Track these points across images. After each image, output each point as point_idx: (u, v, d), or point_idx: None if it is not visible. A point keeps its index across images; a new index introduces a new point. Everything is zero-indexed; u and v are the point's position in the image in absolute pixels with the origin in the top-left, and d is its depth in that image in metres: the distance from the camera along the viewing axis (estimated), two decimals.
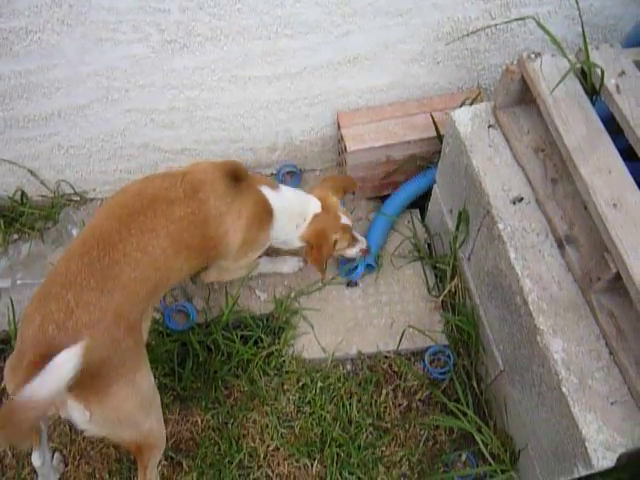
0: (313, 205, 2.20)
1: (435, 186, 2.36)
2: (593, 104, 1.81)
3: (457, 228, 2.14)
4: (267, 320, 2.36)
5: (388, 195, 2.59)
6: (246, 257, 2.15)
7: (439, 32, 2.27)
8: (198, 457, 2.13)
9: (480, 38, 2.33)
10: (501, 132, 1.99)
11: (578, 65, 1.84)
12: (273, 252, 2.45)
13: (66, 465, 2.13)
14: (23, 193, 2.58)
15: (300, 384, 2.25)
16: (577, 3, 1.88)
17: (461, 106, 2.18)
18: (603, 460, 1.52)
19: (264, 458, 2.15)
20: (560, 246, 1.78)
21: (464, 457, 2.17)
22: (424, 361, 2.30)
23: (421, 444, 2.19)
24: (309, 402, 2.23)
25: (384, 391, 2.27)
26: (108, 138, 2.43)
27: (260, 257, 2.28)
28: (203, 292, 2.40)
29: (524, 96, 1.93)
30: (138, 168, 2.57)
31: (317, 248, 2.16)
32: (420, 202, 2.56)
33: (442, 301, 2.36)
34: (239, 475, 2.12)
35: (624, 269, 1.53)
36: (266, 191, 2.08)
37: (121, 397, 1.62)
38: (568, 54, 1.86)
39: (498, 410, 2.12)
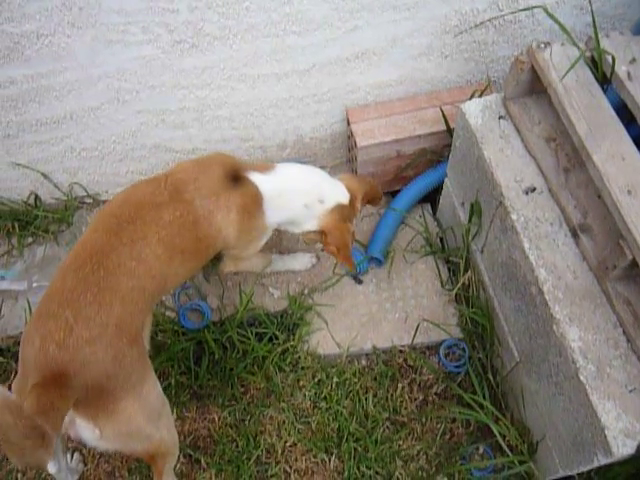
0: (339, 192, 2.09)
1: (446, 179, 2.35)
2: (604, 92, 1.81)
3: (469, 220, 2.14)
4: (281, 317, 2.37)
5: (399, 190, 2.59)
6: (251, 245, 2.09)
7: (447, 25, 2.27)
8: (216, 454, 2.14)
9: (488, 30, 2.32)
10: (512, 123, 1.99)
11: (588, 53, 1.84)
12: (286, 249, 2.46)
13: (85, 464, 2.15)
14: (37, 197, 2.60)
15: (316, 380, 2.26)
16: None
17: (470, 98, 2.18)
18: (623, 448, 1.51)
19: (282, 454, 2.16)
20: (574, 235, 1.77)
21: (481, 449, 2.17)
22: (439, 354, 2.30)
23: (438, 437, 2.19)
24: (325, 398, 2.23)
25: (400, 385, 2.27)
26: (120, 140, 2.44)
27: (273, 253, 2.28)
28: (217, 290, 2.41)
29: (534, 86, 1.93)
30: (150, 169, 2.58)
31: (341, 242, 2.07)
32: (431, 196, 2.56)
33: (456, 294, 2.36)
34: (257, 471, 2.13)
35: None
36: (253, 177, 1.96)
37: (130, 412, 1.60)
38: (578, 43, 1.86)
39: (515, 402, 2.11)
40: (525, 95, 1.98)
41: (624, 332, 1.64)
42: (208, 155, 2.05)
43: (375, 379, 2.28)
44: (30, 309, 2.27)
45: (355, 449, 2.15)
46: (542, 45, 1.85)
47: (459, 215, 2.28)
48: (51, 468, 1.97)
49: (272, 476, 2.12)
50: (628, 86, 1.74)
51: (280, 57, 2.24)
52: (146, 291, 1.72)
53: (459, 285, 2.29)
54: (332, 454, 2.15)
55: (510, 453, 2.04)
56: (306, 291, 2.41)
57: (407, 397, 2.26)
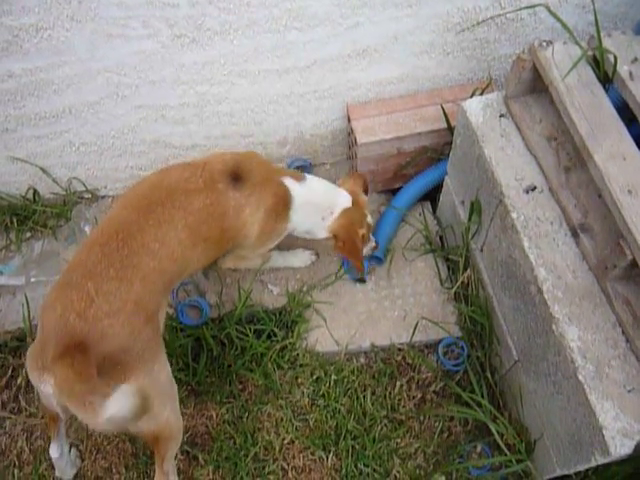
0: (343, 199, 2.18)
1: (447, 177, 2.35)
2: (606, 91, 1.80)
3: (469, 219, 2.13)
4: (280, 314, 2.36)
5: (399, 188, 2.59)
6: (264, 246, 2.15)
7: (449, 23, 2.26)
8: (214, 451, 2.14)
9: (490, 28, 2.32)
10: (513, 121, 1.98)
11: (590, 52, 1.83)
12: (285, 246, 2.45)
13: (82, 460, 2.14)
14: (35, 191, 2.59)
15: (314, 377, 2.26)
16: None
17: (471, 96, 2.17)
18: (621, 448, 1.51)
19: (279, 451, 2.15)
20: (574, 234, 1.77)
21: (479, 448, 2.17)
22: (438, 353, 2.30)
23: (436, 436, 2.19)
24: (323, 395, 2.23)
25: (398, 383, 2.27)
26: (119, 135, 2.43)
27: (272, 250, 2.28)
28: (216, 287, 2.40)
29: (536, 85, 1.92)
30: (149, 164, 2.57)
31: (350, 242, 2.14)
32: (431, 194, 2.56)
33: (455, 293, 2.35)
34: (254, 468, 2.13)
35: None
36: (288, 182, 2.07)
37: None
38: (580, 42, 1.85)
39: (513, 400, 2.11)
40: (526, 93, 1.97)
41: (623, 332, 1.64)
42: (246, 152, 2.11)
43: (373, 377, 2.28)
44: (28, 304, 2.26)
45: (353, 447, 2.15)
46: (544, 43, 1.84)
47: (459, 213, 2.27)
48: (54, 452, 2.00)
49: (269, 473, 2.12)
50: (630, 86, 1.73)
51: (281, 53, 2.23)
52: (166, 273, 1.77)
53: (458, 283, 2.29)
54: (330, 452, 2.15)
55: (508, 452, 2.04)
56: (305, 288, 2.41)
57: (405, 395, 2.26)
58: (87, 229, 2.56)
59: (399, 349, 2.32)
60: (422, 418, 2.22)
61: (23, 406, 2.23)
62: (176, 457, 2.10)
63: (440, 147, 2.47)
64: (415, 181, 2.51)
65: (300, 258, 2.44)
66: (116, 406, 1.57)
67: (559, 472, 1.85)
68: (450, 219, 2.41)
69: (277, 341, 2.29)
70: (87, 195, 2.65)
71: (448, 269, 2.45)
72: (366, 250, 2.31)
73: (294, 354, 2.29)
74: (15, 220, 2.55)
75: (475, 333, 2.26)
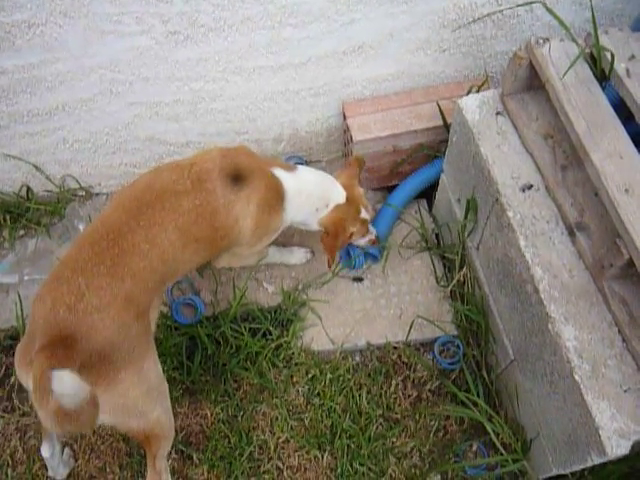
0: (338, 194, 2.16)
1: (443, 175, 2.34)
2: (603, 89, 1.79)
3: (465, 217, 2.12)
4: (275, 312, 2.35)
5: (395, 186, 2.57)
6: (261, 242, 2.13)
7: (445, 19, 2.25)
8: (208, 450, 2.13)
9: (486, 25, 2.30)
10: (509, 119, 1.97)
11: (587, 50, 1.82)
12: (281, 243, 2.44)
13: (76, 460, 2.13)
14: (29, 189, 2.57)
15: (309, 376, 2.25)
16: None
17: (468, 94, 2.16)
18: (617, 448, 1.51)
19: (274, 450, 2.14)
20: (571, 233, 1.76)
21: (475, 447, 2.17)
22: (433, 351, 2.29)
23: (432, 435, 2.18)
24: (318, 394, 2.22)
25: (394, 382, 2.26)
26: (113, 132, 2.41)
27: (269, 246, 2.26)
28: (210, 285, 2.39)
29: (532, 82, 1.91)
30: (143, 162, 2.55)
31: (333, 237, 2.14)
32: (427, 192, 2.54)
33: (451, 291, 2.35)
34: (249, 468, 2.12)
35: (637, 255, 1.51)
36: (279, 173, 2.04)
37: (128, 384, 1.64)
38: (577, 39, 1.84)
39: (509, 400, 2.10)
40: (523, 91, 1.96)
41: (619, 331, 1.63)
42: (234, 146, 2.07)
43: (369, 375, 2.27)
44: (21, 302, 2.25)
45: (348, 446, 2.14)
46: (541, 41, 1.83)
47: (455, 211, 2.26)
48: (45, 451, 1.99)
49: (264, 472, 2.11)
50: (627, 83, 1.72)
51: (276, 50, 2.22)
52: (157, 273, 1.77)
53: (454, 282, 2.28)
54: (325, 451, 2.14)
55: (504, 451, 2.04)
56: (300, 286, 2.40)
57: (401, 394, 2.25)
58: (81, 227, 2.54)
59: (395, 347, 2.31)
60: (418, 417, 2.21)
61: (16, 405, 2.21)
62: (170, 456, 2.09)
63: (436, 145, 2.46)
64: (411, 179, 2.50)
65: (296, 256, 2.43)
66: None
67: (555, 472, 1.85)
68: (446, 217, 2.40)
69: (272, 340, 2.28)
70: (81, 192, 2.63)
71: (444, 267, 2.44)
72: (364, 242, 2.31)
73: (289, 353, 2.28)
74: (8, 218, 2.52)
75: (471, 332, 2.26)
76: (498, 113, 1.99)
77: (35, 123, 2.32)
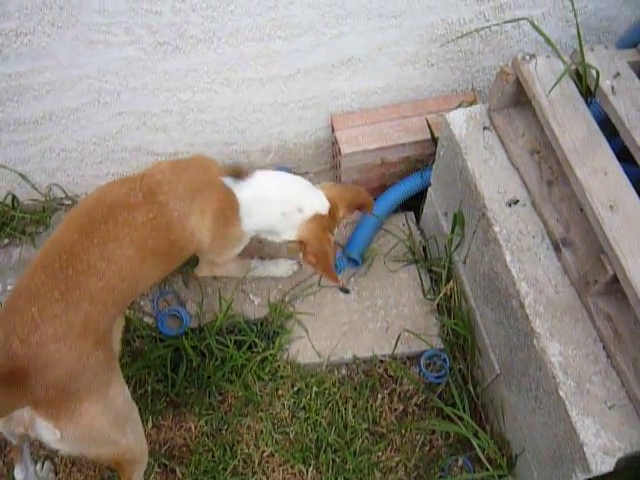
0: (318, 201, 2.03)
1: (430, 189, 2.34)
2: (588, 106, 1.81)
3: (452, 231, 2.13)
4: (261, 324, 2.33)
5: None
6: (226, 252, 2.06)
7: (433, 34, 2.26)
8: (192, 464, 2.10)
9: (474, 40, 2.32)
10: (496, 134, 1.98)
11: (573, 67, 1.84)
12: (267, 256, 2.43)
13: (57, 474, 2.10)
14: (14, 197, 2.55)
15: (295, 389, 2.23)
16: (572, 4, 1.87)
17: (457, 108, 2.17)
18: (602, 465, 1.51)
19: (259, 464, 2.12)
20: (556, 249, 1.76)
21: (461, 462, 2.15)
22: (420, 365, 2.28)
23: (417, 449, 2.17)
24: (304, 407, 2.20)
25: (380, 396, 2.25)
26: (100, 141, 2.40)
27: (250, 258, 2.25)
28: (196, 297, 2.37)
29: (519, 98, 1.93)
30: (130, 172, 2.54)
31: (323, 255, 2.01)
32: (416, 204, 2.55)
33: (438, 304, 2.34)
34: None
35: (621, 271, 1.51)
36: (229, 182, 1.94)
37: (92, 414, 1.57)
38: (563, 56, 1.86)
39: (495, 414, 2.10)
40: (510, 106, 1.97)
41: (604, 347, 1.63)
42: (188, 158, 2.02)
43: (355, 389, 2.25)
44: None
45: (333, 460, 2.12)
46: (527, 57, 1.84)
47: (442, 225, 2.27)
48: (18, 474, 1.93)
49: None
50: (612, 100, 1.74)
51: (265, 62, 2.22)
52: (116, 292, 1.69)
53: (441, 295, 2.28)
54: (310, 465, 2.12)
55: (489, 466, 2.03)
56: (287, 298, 2.38)
57: (387, 408, 2.24)
58: None
59: (381, 361, 2.30)
60: (403, 431, 2.20)
61: None
62: (153, 470, 2.07)
63: (424, 158, 2.46)
64: (393, 189, 2.50)
65: (282, 268, 2.42)
66: None
67: None
68: (433, 230, 2.40)
69: (258, 352, 2.26)
70: (67, 202, 2.61)
71: (431, 280, 2.44)
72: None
73: (275, 365, 2.26)
74: None
75: (457, 345, 2.25)
76: (485, 128, 2.00)
77: (22, 132, 2.30)
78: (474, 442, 2.05)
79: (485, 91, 2.51)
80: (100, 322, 1.64)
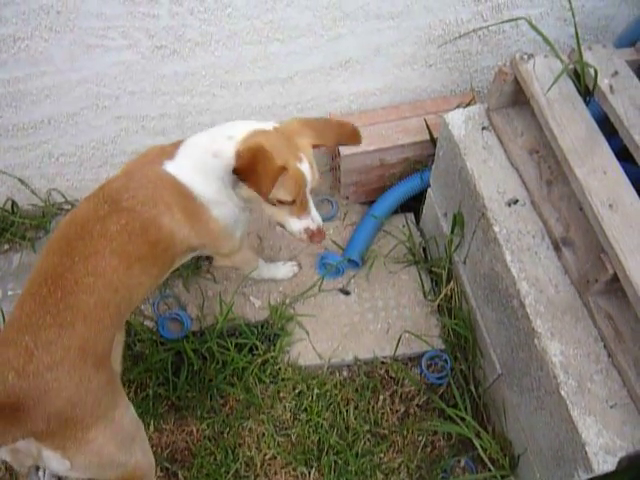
0: (251, 123, 1.78)
1: (429, 189, 2.34)
2: (587, 105, 1.80)
3: (452, 231, 2.12)
4: (262, 327, 2.33)
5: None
6: (229, 236, 1.95)
7: (431, 35, 2.26)
8: (194, 467, 2.10)
9: (472, 40, 2.32)
10: (495, 134, 1.98)
11: (571, 66, 1.83)
12: (268, 259, 2.43)
13: None
14: (13, 202, 2.55)
15: (296, 391, 2.23)
16: (570, 3, 1.87)
17: (456, 108, 2.16)
18: (604, 464, 1.50)
19: (261, 467, 2.12)
20: (556, 248, 1.76)
21: (463, 463, 2.15)
22: (421, 366, 2.28)
23: (419, 450, 2.17)
24: (305, 409, 2.20)
25: (381, 397, 2.24)
26: (99, 146, 2.40)
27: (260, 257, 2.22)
28: (197, 300, 2.37)
29: (517, 97, 1.92)
30: None
31: (250, 163, 1.68)
32: (415, 206, 2.55)
33: (438, 305, 2.34)
34: None
35: (621, 270, 1.51)
36: (169, 167, 1.78)
37: (101, 441, 1.53)
38: (561, 55, 1.85)
39: (496, 414, 2.10)
40: (508, 106, 1.97)
41: (605, 347, 1.63)
42: (134, 159, 1.88)
43: (356, 391, 2.25)
44: (4, 318, 2.22)
45: (335, 462, 2.12)
46: (525, 56, 1.84)
47: (442, 225, 2.26)
48: None
49: None
50: (610, 99, 1.74)
51: (263, 64, 2.22)
52: (110, 306, 1.64)
53: (441, 296, 2.28)
54: (312, 467, 2.12)
55: (492, 467, 2.03)
56: (287, 301, 2.38)
57: (388, 409, 2.23)
58: None
59: (382, 362, 2.30)
60: (405, 432, 2.19)
61: None
62: (155, 474, 2.06)
63: (423, 159, 2.46)
64: (392, 190, 2.50)
65: (282, 270, 2.42)
66: None
67: None
68: (433, 231, 2.40)
69: (259, 355, 2.26)
70: (67, 206, 2.61)
71: (431, 281, 2.44)
72: (297, 228, 1.85)
73: (276, 368, 2.26)
74: None
75: (458, 346, 2.25)
76: (484, 128, 2.00)
77: (20, 137, 2.31)
78: (476, 443, 2.04)
79: (484, 91, 2.51)
80: (98, 342, 1.59)
